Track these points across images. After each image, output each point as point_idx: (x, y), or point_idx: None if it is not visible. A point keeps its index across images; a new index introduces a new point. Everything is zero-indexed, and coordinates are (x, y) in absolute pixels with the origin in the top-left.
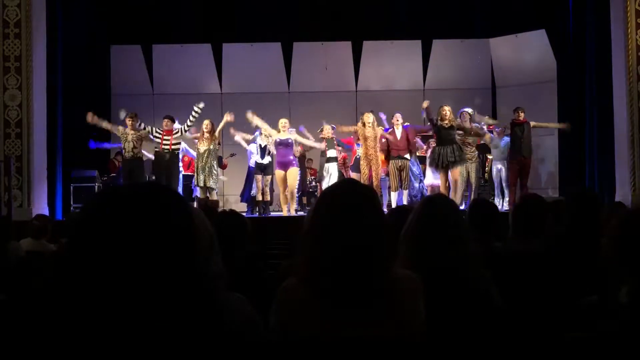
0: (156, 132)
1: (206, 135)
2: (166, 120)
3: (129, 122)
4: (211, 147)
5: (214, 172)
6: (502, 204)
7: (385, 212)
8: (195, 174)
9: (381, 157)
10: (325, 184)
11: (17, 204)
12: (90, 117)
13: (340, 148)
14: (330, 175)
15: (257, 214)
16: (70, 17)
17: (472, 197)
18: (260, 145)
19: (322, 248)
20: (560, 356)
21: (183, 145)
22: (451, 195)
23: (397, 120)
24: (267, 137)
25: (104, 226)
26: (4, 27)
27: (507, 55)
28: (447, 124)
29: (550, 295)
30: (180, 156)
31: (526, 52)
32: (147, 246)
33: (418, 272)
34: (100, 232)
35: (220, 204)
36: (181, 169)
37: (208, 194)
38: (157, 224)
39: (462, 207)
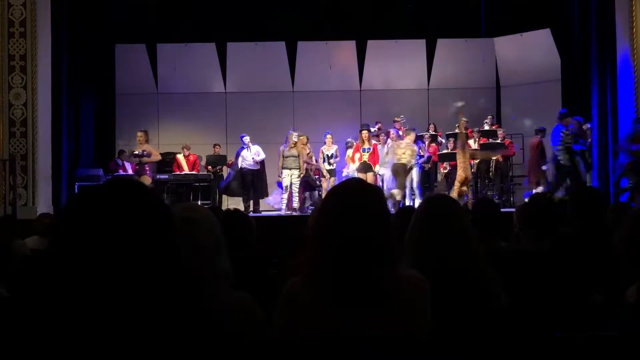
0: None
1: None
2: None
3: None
4: None
5: None
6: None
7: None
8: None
9: None
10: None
11: (21, 202)
12: None
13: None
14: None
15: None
16: (75, 16)
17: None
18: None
19: (326, 244)
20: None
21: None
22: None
23: None
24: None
25: (79, 225)
26: (9, 26)
27: (511, 54)
28: None
29: (556, 294)
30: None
31: (531, 51)
32: (122, 243)
33: (422, 272)
34: (76, 230)
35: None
36: (186, 168)
37: None
38: (131, 220)
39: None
